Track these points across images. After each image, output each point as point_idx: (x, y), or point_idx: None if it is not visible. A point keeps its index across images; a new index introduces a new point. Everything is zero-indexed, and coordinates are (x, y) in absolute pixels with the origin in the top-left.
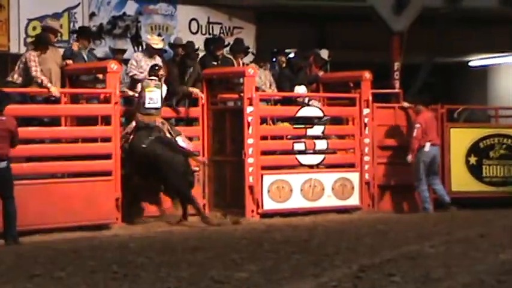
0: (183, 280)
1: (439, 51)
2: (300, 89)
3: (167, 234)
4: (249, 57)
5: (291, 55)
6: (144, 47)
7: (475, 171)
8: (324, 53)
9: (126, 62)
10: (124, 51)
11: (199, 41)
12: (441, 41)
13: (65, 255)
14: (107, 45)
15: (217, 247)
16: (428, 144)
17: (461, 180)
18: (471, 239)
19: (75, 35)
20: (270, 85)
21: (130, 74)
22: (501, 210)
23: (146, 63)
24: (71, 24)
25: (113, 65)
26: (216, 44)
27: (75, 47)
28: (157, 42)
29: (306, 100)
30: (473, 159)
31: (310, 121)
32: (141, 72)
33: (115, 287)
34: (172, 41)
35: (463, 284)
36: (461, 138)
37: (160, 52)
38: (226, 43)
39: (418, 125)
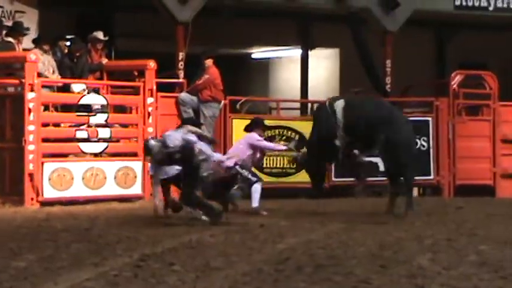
0: None
1: (223, 42)
2: (76, 87)
3: None
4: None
5: (68, 43)
6: None
7: None
8: (100, 35)
9: None
10: None
11: None
12: (225, 32)
13: None
14: None
15: None
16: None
17: None
18: (250, 229)
19: None
20: (53, 71)
21: None
22: (281, 200)
23: None
24: None
25: None
26: None
27: None
28: None
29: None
30: None
31: (93, 109)
32: None
33: None
34: None
35: (242, 273)
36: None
37: None
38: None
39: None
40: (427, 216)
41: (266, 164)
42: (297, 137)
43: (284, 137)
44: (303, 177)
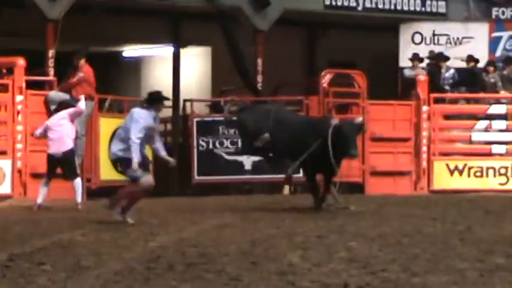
0: None
1: (94, 40)
2: None
3: None
4: None
5: None
6: None
7: None
8: None
9: None
10: None
11: None
12: (96, 30)
13: None
14: None
15: None
16: None
17: (108, 170)
18: (121, 227)
19: None
20: None
21: None
22: (151, 199)
23: None
24: None
25: None
26: None
27: None
28: None
29: None
30: None
31: None
32: None
33: None
34: None
35: (113, 271)
36: (109, 127)
37: None
38: None
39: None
40: (298, 213)
41: None
42: None
43: None
44: None
